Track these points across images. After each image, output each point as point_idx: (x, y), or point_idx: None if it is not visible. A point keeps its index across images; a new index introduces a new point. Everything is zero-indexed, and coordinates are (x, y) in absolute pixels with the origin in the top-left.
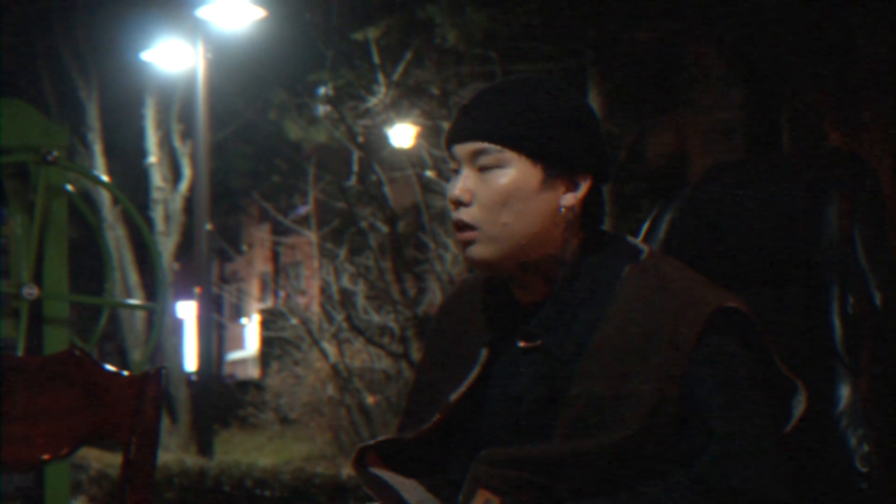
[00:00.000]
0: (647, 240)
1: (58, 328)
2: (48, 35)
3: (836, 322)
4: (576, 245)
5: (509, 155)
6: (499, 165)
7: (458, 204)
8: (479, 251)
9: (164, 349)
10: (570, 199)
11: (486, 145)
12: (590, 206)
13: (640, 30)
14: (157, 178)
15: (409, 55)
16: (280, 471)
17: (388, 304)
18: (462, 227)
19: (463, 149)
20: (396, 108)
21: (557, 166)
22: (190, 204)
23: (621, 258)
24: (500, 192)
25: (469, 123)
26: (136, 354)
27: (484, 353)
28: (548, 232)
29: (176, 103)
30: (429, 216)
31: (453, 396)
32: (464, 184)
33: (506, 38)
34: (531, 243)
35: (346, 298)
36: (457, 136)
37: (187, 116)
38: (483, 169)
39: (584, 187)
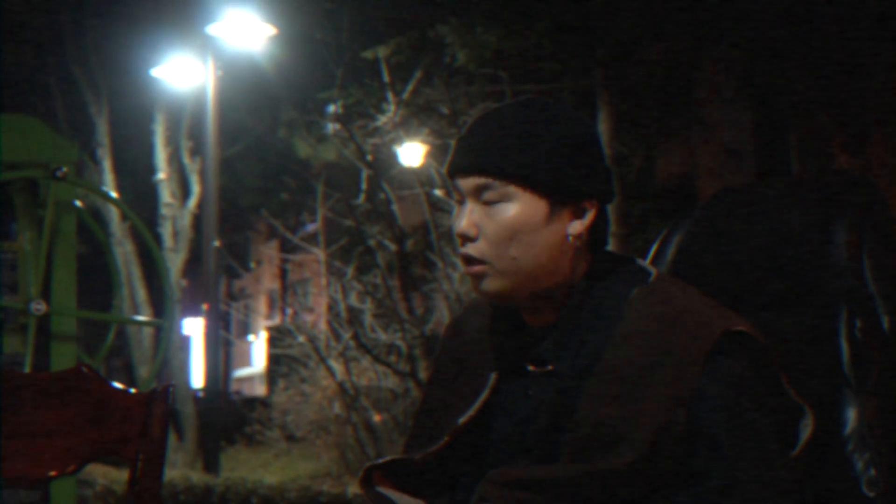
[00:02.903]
0: (655, 261)
1: (66, 344)
2: (59, 51)
3: (844, 345)
4: (584, 269)
5: (514, 189)
6: (504, 199)
7: (466, 239)
8: (490, 285)
9: (172, 365)
10: (577, 226)
11: (489, 180)
12: (596, 228)
13: (649, 50)
14: (166, 195)
15: (418, 74)
16: (286, 488)
17: (396, 322)
18: (470, 261)
19: (466, 183)
20: (406, 127)
21: (563, 196)
22: (198, 220)
23: (629, 281)
24: (507, 226)
25: (471, 156)
26: (144, 371)
27: (493, 377)
28: (557, 261)
29: (185, 120)
30: (437, 235)
31: (462, 420)
32: (470, 218)
33: (516, 58)
34: (541, 274)
35: (354, 316)
36: (459, 169)
37: (197, 133)
38: (488, 203)
39: (590, 214)
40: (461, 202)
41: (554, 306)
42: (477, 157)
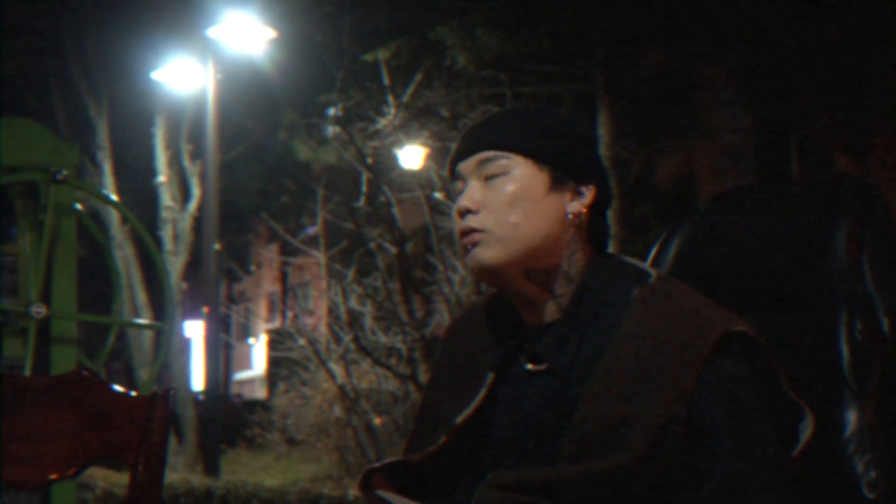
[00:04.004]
0: (655, 263)
1: (66, 347)
2: (59, 54)
3: (844, 347)
4: (582, 263)
5: (515, 160)
6: (505, 172)
7: (467, 212)
8: (485, 253)
9: (172, 369)
10: (576, 206)
11: (491, 153)
12: (595, 221)
13: (650, 54)
14: (167, 198)
15: (419, 77)
16: (286, 491)
17: (396, 325)
18: (469, 232)
19: (467, 163)
20: (406, 130)
21: (563, 171)
22: (199, 223)
23: (629, 281)
24: (509, 195)
25: (473, 139)
26: (144, 374)
27: (491, 375)
28: (555, 237)
29: (186, 123)
30: (437, 238)
31: (459, 419)
32: (471, 194)
33: (516, 61)
34: (539, 247)
35: (354, 319)
36: (461, 154)
37: (197, 136)
38: (489, 178)
39: (589, 196)
40: (462, 189)
41: (549, 297)
42: (479, 136)
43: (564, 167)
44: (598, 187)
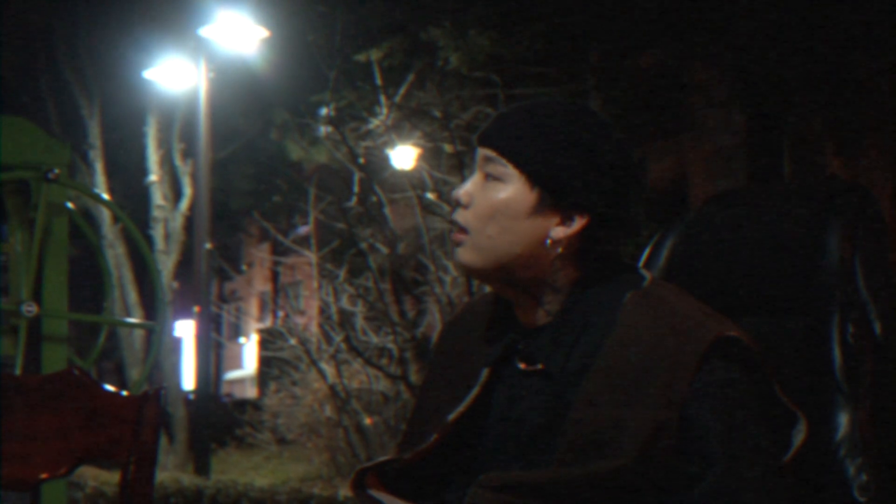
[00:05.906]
0: (647, 266)
1: (57, 346)
2: (51, 53)
3: (836, 351)
4: (572, 277)
5: (511, 171)
6: (500, 178)
7: (458, 204)
8: (463, 255)
9: (163, 368)
10: (559, 232)
11: (494, 154)
12: (589, 244)
13: (642, 54)
14: (158, 197)
15: (411, 77)
16: (277, 491)
17: (387, 325)
18: (455, 227)
19: (480, 152)
20: (398, 130)
21: (553, 196)
22: (190, 223)
23: (623, 285)
24: (493, 204)
25: (491, 129)
26: (135, 373)
27: (485, 373)
28: (533, 257)
29: (178, 122)
30: (429, 238)
31: (452, 416)
32: (468, 187)
33: (509, 62)
34: (513, 262)
35: (345, 319)
36: (479, 138)
37: (189, 135)
38: (488, 177)
39: (577, 225)
40: (468, 178)
41: (536, 304)
42: (495, 131)
43: (556, 193)
44: (595, 218)
